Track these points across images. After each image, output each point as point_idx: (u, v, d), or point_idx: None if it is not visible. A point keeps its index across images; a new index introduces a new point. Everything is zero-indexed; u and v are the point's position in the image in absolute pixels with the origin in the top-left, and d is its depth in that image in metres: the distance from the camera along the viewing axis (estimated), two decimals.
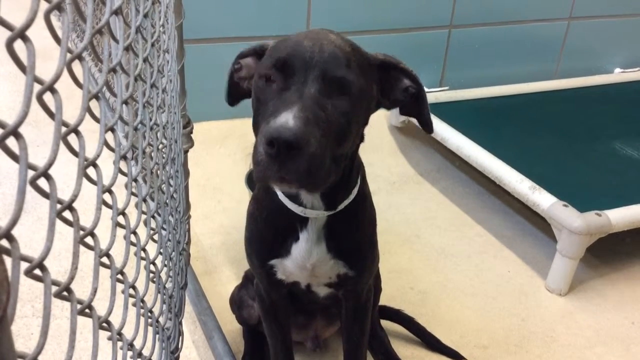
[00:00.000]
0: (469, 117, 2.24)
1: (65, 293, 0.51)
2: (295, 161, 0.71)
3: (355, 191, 0.96)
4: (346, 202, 0.94)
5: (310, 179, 0.73)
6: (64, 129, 0.49)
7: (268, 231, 1.00)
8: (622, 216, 1.64)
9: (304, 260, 0.98)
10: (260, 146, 0.72)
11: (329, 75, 0.77)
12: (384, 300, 1.43)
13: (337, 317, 1.29)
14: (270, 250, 1.00)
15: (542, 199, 1.69)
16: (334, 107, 0.77)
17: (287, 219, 0.95)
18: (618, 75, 2.88)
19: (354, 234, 1.00)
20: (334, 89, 0.78)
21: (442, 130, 2.10)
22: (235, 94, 0.96)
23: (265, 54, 0.86)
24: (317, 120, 0.74)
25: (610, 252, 1.82)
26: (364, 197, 1.00)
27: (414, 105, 0.92)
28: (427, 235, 1.86)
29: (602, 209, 1.63)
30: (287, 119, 0.71)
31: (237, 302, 1.32)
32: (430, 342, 1.43)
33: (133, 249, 0.76)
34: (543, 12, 2.75)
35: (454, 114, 2.23)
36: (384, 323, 1.44)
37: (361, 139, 0.91)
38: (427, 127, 0.95)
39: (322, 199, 0.92)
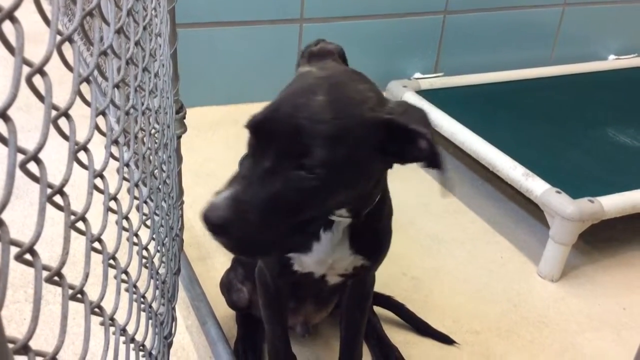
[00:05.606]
0: (463, 104, 2.24)
1: (56, 278, 0.51)
2: (224, 237, 0.76)
3: (378, 198, 0.95)
4: (370, 207, 0.94)
5: (242, 253, 0.80)
6: (54, 113, 0.49)
7: None
8: (614, 203, 1.64)
9: (326, 257, 0.98)
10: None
11: (287, 149, 0.75)
12: (377, 286, 1.43)
13: (327, 302, 1.29)
14: None
15: (535, 186, 1.69)
16: (289, 181, 0.75)
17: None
18: (612, 62, 2.88)
19: (375, 228, 1.00)
20: (293, 164, 0.75)
21: (436, 116, 2.09)
22: None
23: None
24: (258, 201, 0.75)
25: (602, 239, 1.83)
26: (385, 192, 0.99)
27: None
28: (421, 222, 1.87)
29: (595, 196, 1.63)
30: (221, 199, 0.74)
31: (226, 286, 1.32)
32: (420, 327, 1.44)
33: (125, 235, 0.76)
34: None
35: (448, 100, 2.23)
36: (376, 309, 1.45)
37: (377, 188, 0.91)
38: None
39: (348, 210, 0.91)
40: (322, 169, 0.74)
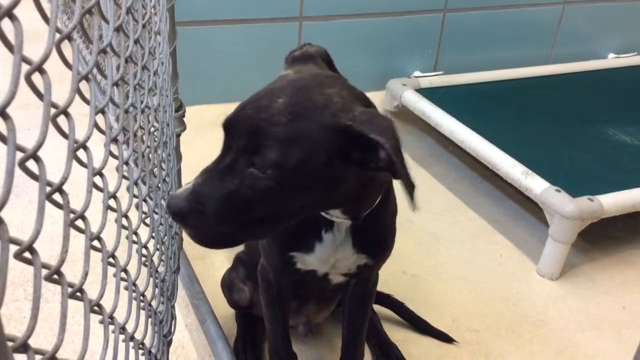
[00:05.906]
0: (463, 102, 2.24)
1: (55, 276, 0.51)
2: (185, 226, 0.80)
3: (379, 199, 0.93)
4: (370, 209, 0.93)
5: (201, 241, 0.82)
6: (53, 111, 0.49)
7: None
8: (614, 201, 1.64)
9: (328, 256, 0.98)
10: None
11: (245, 148, 0.77)
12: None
13: (330, 302, 1.29)
14: (292, 243, 1.00)
15: (535, 184, 1.69)
16: (244, 179, 0.77)
17: (311, 218, 0.92)
18: (612, 61, 2.88)
19: (378, 228, 1.00)
20: (248, 163, 0.77)
21: (435, 114, 2.09)
22: None
23: None
24: (214, 195, 0.78)
25: (601, 237, 1.83)
26: (388, 191, 0.98)
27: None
28: (420, 220, 1.87)
29: (595, 194, 1.63)
30: (182, 191, 0.78)
31: (227, 285, 1.32)
32: (420, 326, 1.44)
33: (124, 233, 0.76)
34: None
35: (448, 98, 2.23)
36: (375, 307, 1.45)
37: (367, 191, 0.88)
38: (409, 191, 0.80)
39: (344, 212, 0.91)
40: (274, 169, 0.75)
